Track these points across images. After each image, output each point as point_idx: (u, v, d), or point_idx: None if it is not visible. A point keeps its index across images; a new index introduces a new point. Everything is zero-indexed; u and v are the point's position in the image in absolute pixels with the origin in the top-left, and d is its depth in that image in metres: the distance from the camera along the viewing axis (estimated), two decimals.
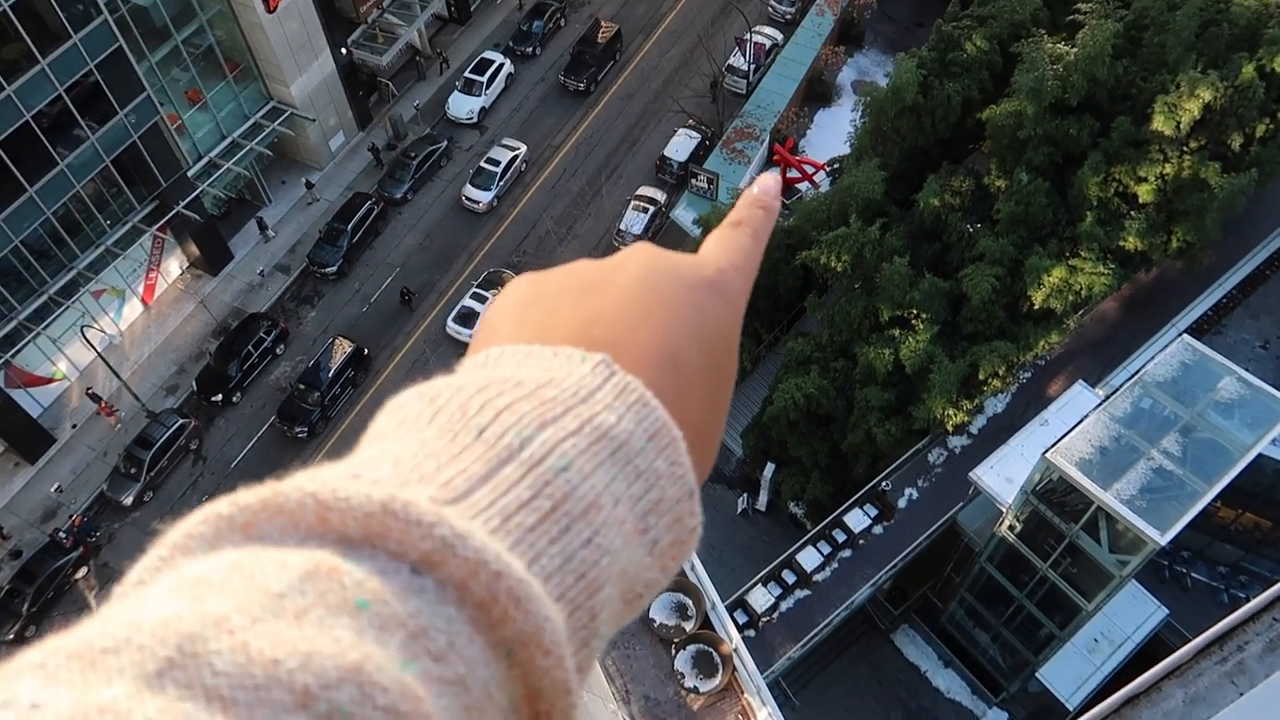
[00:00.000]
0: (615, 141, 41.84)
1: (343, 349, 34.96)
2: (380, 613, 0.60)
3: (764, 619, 27.21)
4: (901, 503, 28.44)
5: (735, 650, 14.91)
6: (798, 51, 40.43)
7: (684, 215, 36.54)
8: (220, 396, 34.73)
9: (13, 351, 31.27)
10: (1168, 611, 25.61)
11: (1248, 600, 11.84)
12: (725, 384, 0.95)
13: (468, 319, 35.41)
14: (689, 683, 14.86)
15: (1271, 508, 26.62)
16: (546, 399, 0.77)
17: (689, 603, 15.60)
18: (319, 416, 34.16)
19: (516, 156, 40.02)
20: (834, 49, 41.67)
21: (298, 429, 33.99)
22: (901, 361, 27.25)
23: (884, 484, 28.66)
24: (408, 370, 35.61)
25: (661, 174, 39.97)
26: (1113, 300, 30.18)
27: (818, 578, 27.68)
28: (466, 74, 42.57)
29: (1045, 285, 26.46)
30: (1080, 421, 22.17)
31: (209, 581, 0.59)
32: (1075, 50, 26.81)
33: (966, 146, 31.96)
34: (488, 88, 42.25)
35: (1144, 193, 26.66)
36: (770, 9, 44.88)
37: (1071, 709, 24.99)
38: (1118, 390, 23.01)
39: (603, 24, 43.73)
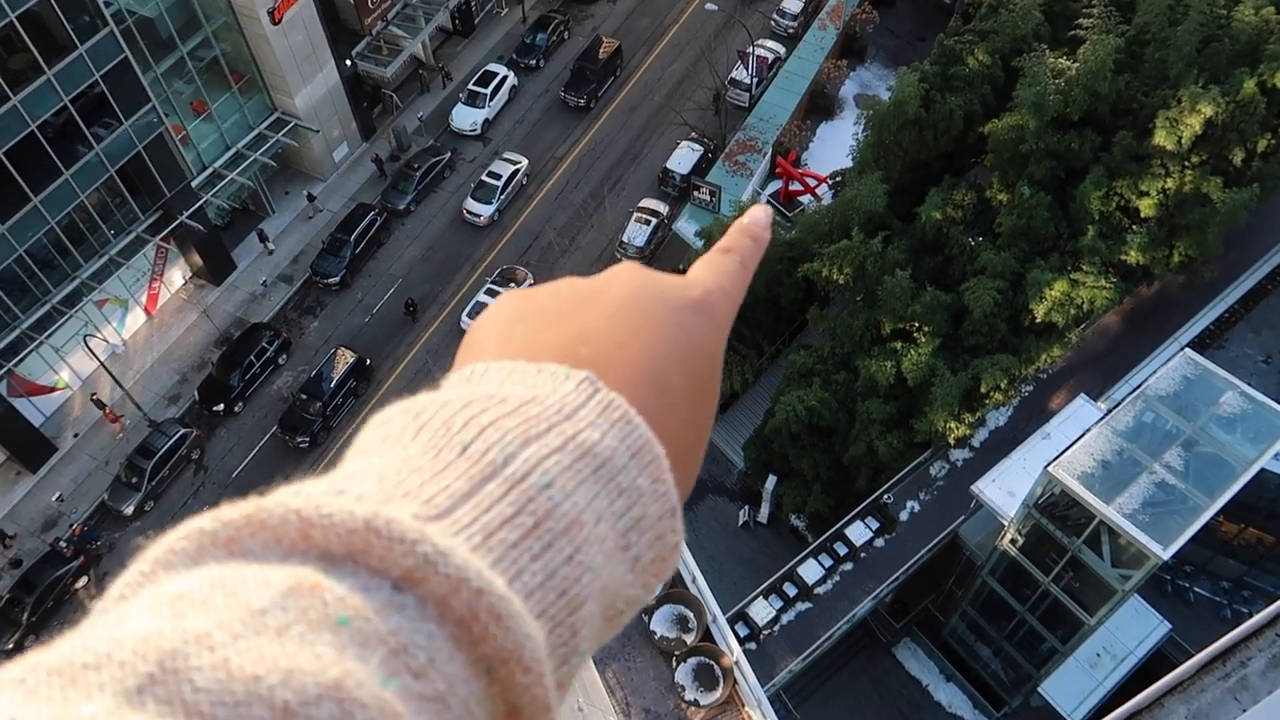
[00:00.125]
0: (618, 153, 41.97)
1: (345, 359, 35.00)
2: (361, 629, 0.60)
3: (765, 632, 27.13)
4: (903, 516, 28.39)
5: (736, 663, 14.87)
6: (800, 65, 40.60)
7: (686, 227, 36.63)
8: (222, 406, 34.75)
9: (15, 360, 31.32)
10: (1170, 626, 25.53)
11: (1251, 616, 11.81)
12: (708, 404, 0.96)
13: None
14: (690, 695, 14.81)
15: (1274, 522, 26.56)
16: (530, 416, 0.77)
17: (690, 615, 15.57)
18: (321, 426, 34.18)
19: (518, 170, 40.14)
20: (836, 62, 41.84)
21: (299, 439, 34.00)
22: (903, 374, 27.25)
23: (885, 497, 28.62)
24: (410, 381, 35.65)
25: (664, 186, 40.09)
26: (1114, 314, 30.19)
27: (819, 590, 27.61)
28: (470, 86, 42.76)
29: (1047, 299, 26.49)
30: (1082, 435, 22.15)
31: (190, 597, 0.59)
32: (1077, 65, 26.91)
33: (968, 160, 32.05)
34: (491, 100, 42.42)
35: (1146, 207, 26.72)
36: (773, 22, 45.09)
37: None
38: (1120, 404, 23.00)
39: (604, 40, 43.90)
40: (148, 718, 0.52)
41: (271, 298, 38.05)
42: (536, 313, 0.95)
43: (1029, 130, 27.07)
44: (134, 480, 32.69)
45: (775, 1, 45.95)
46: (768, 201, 37.69)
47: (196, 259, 37.42)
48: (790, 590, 27.73)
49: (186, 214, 34.58)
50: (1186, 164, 26.30)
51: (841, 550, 28.10)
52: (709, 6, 43.38)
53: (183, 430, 33.72)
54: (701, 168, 39.30)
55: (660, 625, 15.40)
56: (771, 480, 31.19)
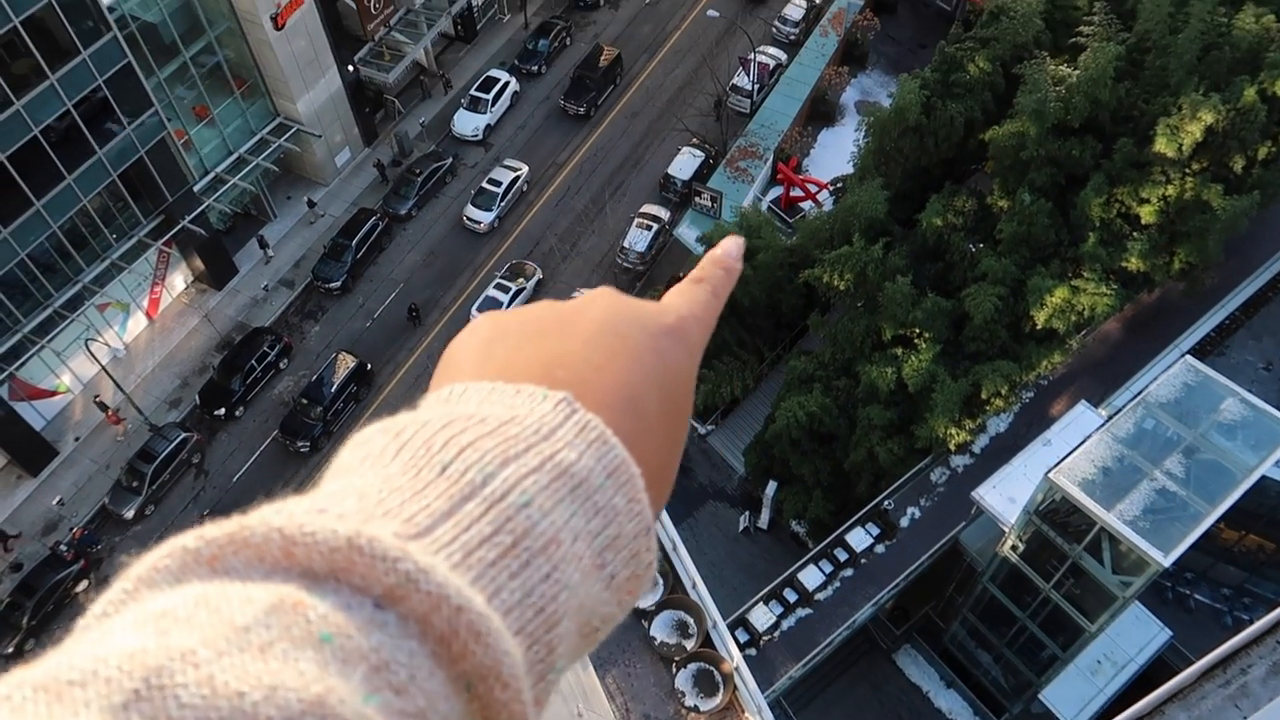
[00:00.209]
0: (619, 159, 42.04)
1: (346, 364, 35.04)
2: (344, 646, 0.61)
3: (765, 638, 27.10)
4: (904, 522, 28.37)
5: (736, 669, 14.86)
6: (801, 71, 40.68)
7: (687, 233, 36.67)
8: (223, 410, 34.77)
9: (17, 364, 31.35)
10: (1171, 634, 25.49)
11: (1251, 623, 11.81)
12: (681, 427, 0.99)
13: (493, 308, 35.82)
14: (690, 701, 14.80)
15: (1275, 530, 26.54)
16: (509, 436, 0.79)
17: (690, 621, 15.56)
18: (321, 431, 34.19)
19: (518, 177, 40.20)
20: (837, 69, 41.92)
21: (300, 443, 34.01)
22: (904, 380, 27.26)
23: (886, 503, 28.61)
24: (410, 386, 35.67)
25: (665, 192, 40.15)
26: (1115, 321, 30.21)
27: (819, 596, 27.58)
28: (472, 92, 42.86)
29: (1048, 305, 26.50)
30: (1083, 442, 22.14)
31: (174, 615, 0.60)
32: (1077, 72, 26.97)
33: (969, 167, 32.10)
34: (493, 105, 42.52)
35: (1146, 214, 26.75)
36: (774, 29, 45.20)
37: None
38: (1120, 411, 23.00)
39: (604, 49, 43.99)
40: None
41: (273, 302, 38.09)
42: (514, 335, 0.98)
43: (1030, 137, 27.12)
44: (135, 484, 32.70)
45: (777, 8, 46.08)
46: (769, 207, 37.75)
47: (198, 263, 37.48)
48: (790, 596, 27.71)
49: (188, 219, 34.64)
50: (1187, 171, 26.34)
51: (842, 556, 28.08)
52: (710, 13, 43.49)
53: (183, 434, 33.74)
54: (703, 174, 39.36)
55: (660, 631, 15.39)
56: (772, 486, 31.18)
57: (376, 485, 0.74)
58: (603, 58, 43.41)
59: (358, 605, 0.64)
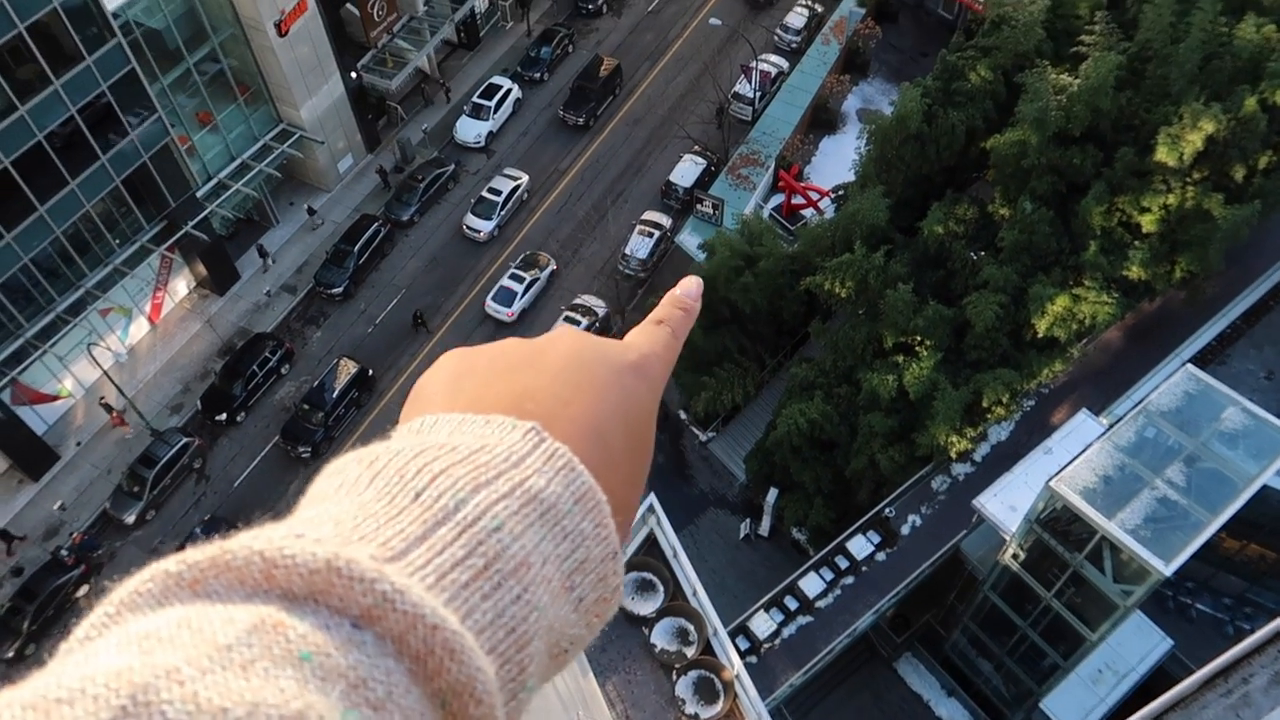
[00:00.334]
0: (621, 166, 42.12)
1: (347, 369, 35.07)
2: (322, 664, 0.63)
3: (766, 645, 27.06)
4: (904, 529, 28.35)
5: (737, 677, 14.86)
6: (803, 79, 40.78)
7: (689, 240, 36.73)
8: (225, 415, 34.80)
9: (19, 368, 31.37)
10: (1172, 643, 25.44)
11: (1253, 632, 11.79)
12: (644, 459, 1.04)
13: (507, 299, 36.72)
14: (690, 709, 14.79)
15: (1277, 539, 26.51)
16: (480, 464, 0.82)
17: (691, 628, 15.56)
18: (323, 436, 34.21)
19: (518, 186, 40.29)
20: (839, 77, 42.02)
21: (301, 449, 34.03)
22: (905, 388, 27.27)
23: (887, 510, 28.59)
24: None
25: (667, 199, 40.22)
26: (1116, 329, 30.22)
27: (820, 604, 27.55)
28: (474, 99, 42.97)
29: (1049, 313, 26.52)
30: (1084, 450, 22.14)
31: (158, 635, 0.62)
32: (1079, 81, 27.03)
33: (970, 175, 32.16)
34: (495, 112, 42.63)
35: (1147, 223, 26.79)
36: (776, 37, 45.33)
37: None
38: (1121, 419, 23.00)
39: (604, 59, 44.10)
40: None
41: (275, 308, 38.15)
42: (482, 370, 1.02)
43: (1031, 145, 27.18)
44: (136, 489, 32.71)
45: (778, 17, 46.21)
46: (771, 215, 37.81)
47: (201, 269, 37.54)
48: (791, 604, 27.67)
49: (191, 224, 34.71)
50: (1188, 180, 26.38)
51: (843, 564, 28.05)
52: (713, 21, 43.62)
53: (185, 439, 33.75)
54: (704, 181, 39.44)
55: (661, 638, 15.39)
56: (773, 493, 31.17)
57: (352, 511, 0.77)
58: (602, 68, 43.53)
59: (336, 625, 0.67)
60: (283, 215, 40.49)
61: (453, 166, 41.36)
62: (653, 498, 17.27)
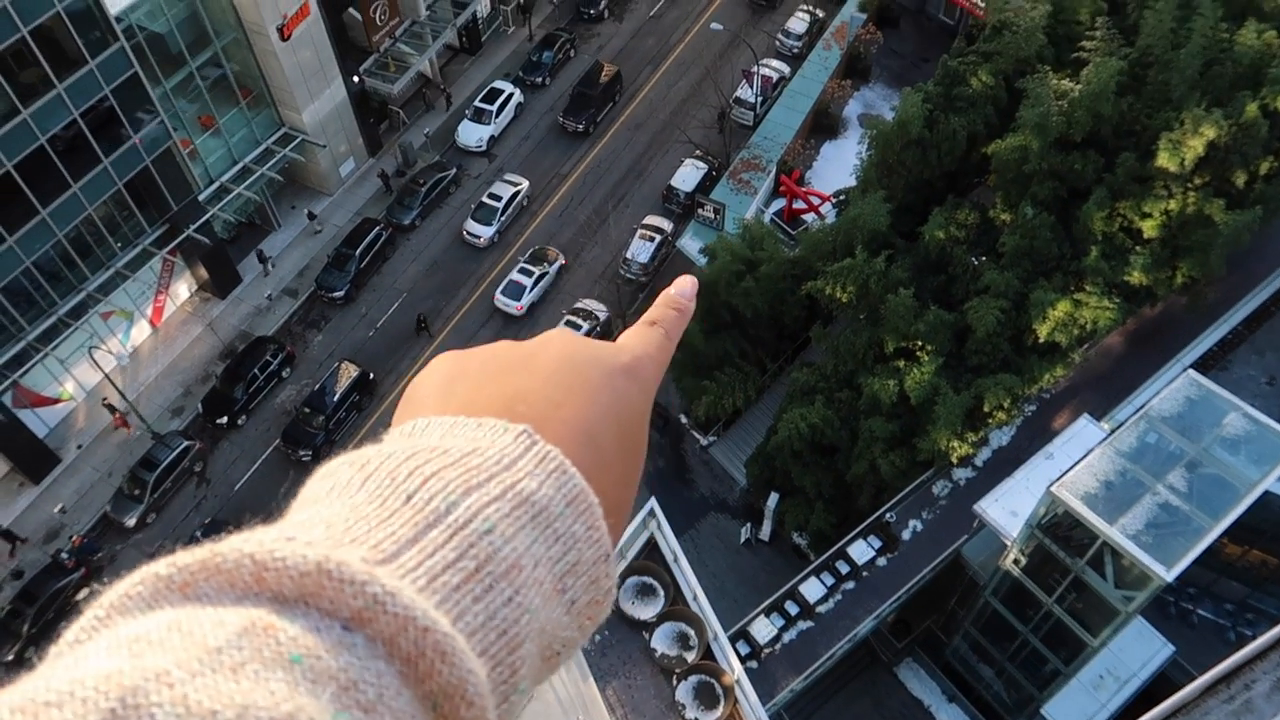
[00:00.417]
0: (623, 171, 42.17)
1: (348, 373, 35.09)
2: (313, 667, 0.63)
3: (766, 650, 27.02)
4: (905, 534, 28.32)
5: (737, 681, 14.83)
6: (805, 84, 40.83)
7: (690, 245, 36.76)
8: (225, 419, 34.82)
9: (21, 372, 31.39)
10: (1174, 649, 25.39)
11: (1255, 638, 11.76)
12: (636, 461, 1.03)
13: (516, 293, 37.06)
14: (690, 714, 14.77)
15: (1278, 545, 26.46)
16: (471, 466, 0.82)
17: (691, 633, 15.53)
18: (323, 440, 34.21)
19: (518, 192, 40.35)
20: (840, 82, 42.07)
21: (302, 452, 34.03)
22: (906, 393, 27.25)
23: (888, 515, 28.56)
24: None
25: (668, 203, 40.26)
26: (1117, 334, 30.21)
27: (821, 609, 27.51)
28: (476, 103, 43.04)
29: (1050, 319, 26.52)
30: (1085, 455, 22.11)
31: (148, 639, 0.62)
32: (1080, 86, 27.05)
33: (971, 180, 32.17)
34: (497, 116, 42.71)
35: (1149, 228, 26.78)
36: (778, 42, 45.40)
37: None
38: (1123, 424, 22.98)
39: (604, 66, 44.18)
40: None
41: (276, 311, 38.18)
42: (475, 373, 1.02)
43: (1032, 151, 27.18)
44: (136, 492, 32.71)
45: (780, 22, 46.29)
46: (772, 219, 37.84)
47: (202, 272, 37.59)
48: (792, 609, 27.64)
49: (193, 228, 34.76)
50: (1189, 186, 26.38)
51: (843, 569, 28.01)
52: (714, 26, 43.68)
53: (186, 443, 33.77)
54: (706, 185, 39.48)
55: (661, 643, 15.37)
56: (774, 498, 31.14)
57: (344, 514, 0.77)
58: (602, 75, 43.60)
59: (327, 627, 0.67)
60: (284, 219, 40.54)
61: (454, 170, 41.41)
62: (653, 502, 17.26)
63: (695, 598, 15.79)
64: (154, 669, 0.58)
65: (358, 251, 37.98)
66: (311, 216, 40.30)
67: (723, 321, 31.63)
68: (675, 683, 14.89)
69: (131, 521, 32.55)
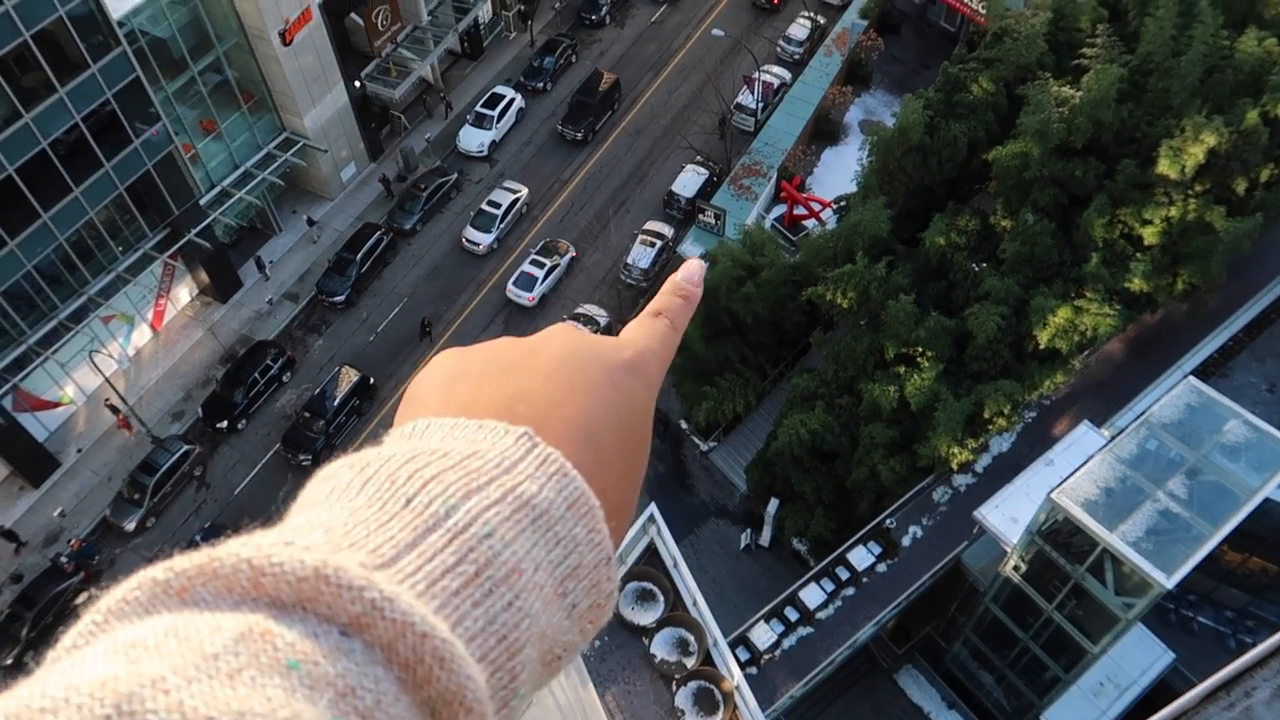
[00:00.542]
0: (623, 176, 42.22)
1: (349, 378, 35.09)
2: (310, 672, 0.63)
3: (766, 656, 26.97)
4: (905, 541, 28.28)
5: (737, 688, 14.81)
6: (806, 91, 40.90)
7: (691, 250, 36.78)
8: (226, 423, 34.81)
9: (21, 375, 31.40)
10: (1174, 656, 25.35)
11: (1255, 646, 11.75)
12: (640, 459, 1.02)
13: (528, 285, 37.37)
14: None
15: (1279, 552, 26.43)
16: (471, 469, 0.82)
17: (691, 639, 15.52)
18: (324, 444, 34.19)
19: (518, 199, 40.41)
20: (841, 89, 42.13)
21: (302, 456, 34.01)
22: (906, 399, 27.25)
23: (888, 521, 28.53)
24: None
25: (669, 209, 40.30)
26: (1118, 341, 30.22)
27: (821, 615, 27.47)
28: (478, 108, 43.11)
29: (1050, 325, 26.52)
30: (1086, 462, 22.10)
31: (144, 644, 0.62)
32: (1080, 94, 27.09)
33: (972, 186, 32.19)
34: (498, 122, 42.77)
35: (1149, 235, 26.81)
36: (779, 49, 45.48)
37: None
38: (1123, 431, 22.96)
39: (603, 74, 44.26)
40: None
41: (277, 315, 38.20)
42: (475, 372, 1.01)
43: (1033, 157, 27.22)
44: (136, 496, 32.69)
45: (781, 28, 46.37)
46: (773, 225, 37.86)
47: (203, 276, 37.62)
48: (792, 615, 27.59)
49: (194, 232, 34.80)
50: (1190, 193, 26.41)
51: (843, 575, 27.97)
52: (715, 33, 43.76)
53: (186, 447, 33.76)
54: (706, 191, 39.52)
55: (661, 649, 15.34)
56: (773, 504, 31.12)
57: (342, 518, 0.76)
58: (601, 83, 43.68)
59: (324, 633, 0.66)
60: (285, 223, 40.58)
61: (455, 175, 41.47)
62: (653, 507, 17.25)
63: (695, 603, 15.77)
64: (150, 675, 0.58)
65: (359, 256, 38.01)
66: (311, 223, 40.33)
67: (723, 327, 31.64)
68: (675, 689, 14.87)
69: (131, 525, 32.53)
